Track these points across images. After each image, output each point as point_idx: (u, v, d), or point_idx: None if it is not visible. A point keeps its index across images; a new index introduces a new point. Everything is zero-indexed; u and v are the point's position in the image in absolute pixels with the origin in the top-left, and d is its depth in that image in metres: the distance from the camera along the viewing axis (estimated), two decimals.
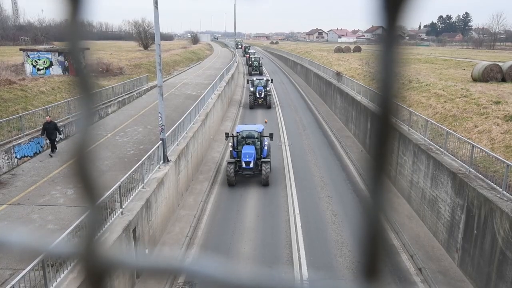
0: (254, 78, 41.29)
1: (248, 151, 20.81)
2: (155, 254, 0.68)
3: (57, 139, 19.72)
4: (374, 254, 0.59)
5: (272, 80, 44.59)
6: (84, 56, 0.61)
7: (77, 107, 0.62)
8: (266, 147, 21.52)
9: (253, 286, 0.61)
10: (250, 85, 40.91)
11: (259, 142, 21.77)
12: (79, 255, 0.65)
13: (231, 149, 22.29)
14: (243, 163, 20.49)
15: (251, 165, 20.39)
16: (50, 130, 19.21)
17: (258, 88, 39.50)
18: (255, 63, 63.70)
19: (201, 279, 0.62)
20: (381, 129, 0.58)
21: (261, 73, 62.04)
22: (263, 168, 20.32)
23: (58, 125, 20.07)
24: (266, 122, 25.94)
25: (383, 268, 0.61)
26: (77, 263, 0.65)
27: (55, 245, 0.72)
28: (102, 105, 27.49)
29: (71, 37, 0.58)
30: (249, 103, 39.88)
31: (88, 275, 0.64)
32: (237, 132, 22.14)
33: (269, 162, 20.90)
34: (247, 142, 21.83)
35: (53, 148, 19.62)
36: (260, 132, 21.91)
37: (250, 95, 40.17)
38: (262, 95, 39.20)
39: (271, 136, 22.08)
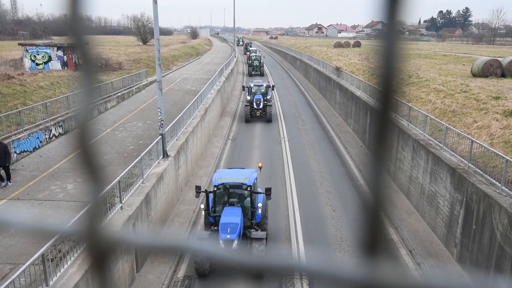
0: (252, 85, 33.62)
1: (231, 219, 13.09)
2: (159, 233, 0.69)
3: (10, 166, 16.02)
4: (375, 231, 0.60)
5: (273, 86, 37.53)
6: (89, 50, 0.62)
7: (81, 95, 0.62)
8: (260, 210, 14.16)
9: (254, 263, 0.62)
10: (247, 93, 33.62)
11: (249, 198, 14.25)
12: (84, 233, 0.66)
13: (204, 212, 14.49)
14: (220, 241, 12.57)
15: (235, 245, 12.64)
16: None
17: (256, 97, 32.14)
18: (256, 63, 58.49)
19: (204, 257, 0.63)
20: (381, 124, 0.58)
21: (262, 74, 58.44)
22: (254, 248, 12.78)
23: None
24: (260, 167, 17.71)
25: (383, 247, 0.61)
26: (83, 248, 0.66)
27: (66, 226, 0.73)
28: (101, 100, 27.45)
29: (77, 31, 0.58)
30: (245, 116, 32.27)
31: (93, 253, 0.65)
32: (215, 186, 14.11)
33: (265, 237, 13.29)
34: (230, 200, 14.30)
35: (7, 176, 15.60)
36: (250, 185, 14.05)
37: (246, 105, 32.68)
38: (261, 106, 31.84)
39: (268, 193, 14.07)
